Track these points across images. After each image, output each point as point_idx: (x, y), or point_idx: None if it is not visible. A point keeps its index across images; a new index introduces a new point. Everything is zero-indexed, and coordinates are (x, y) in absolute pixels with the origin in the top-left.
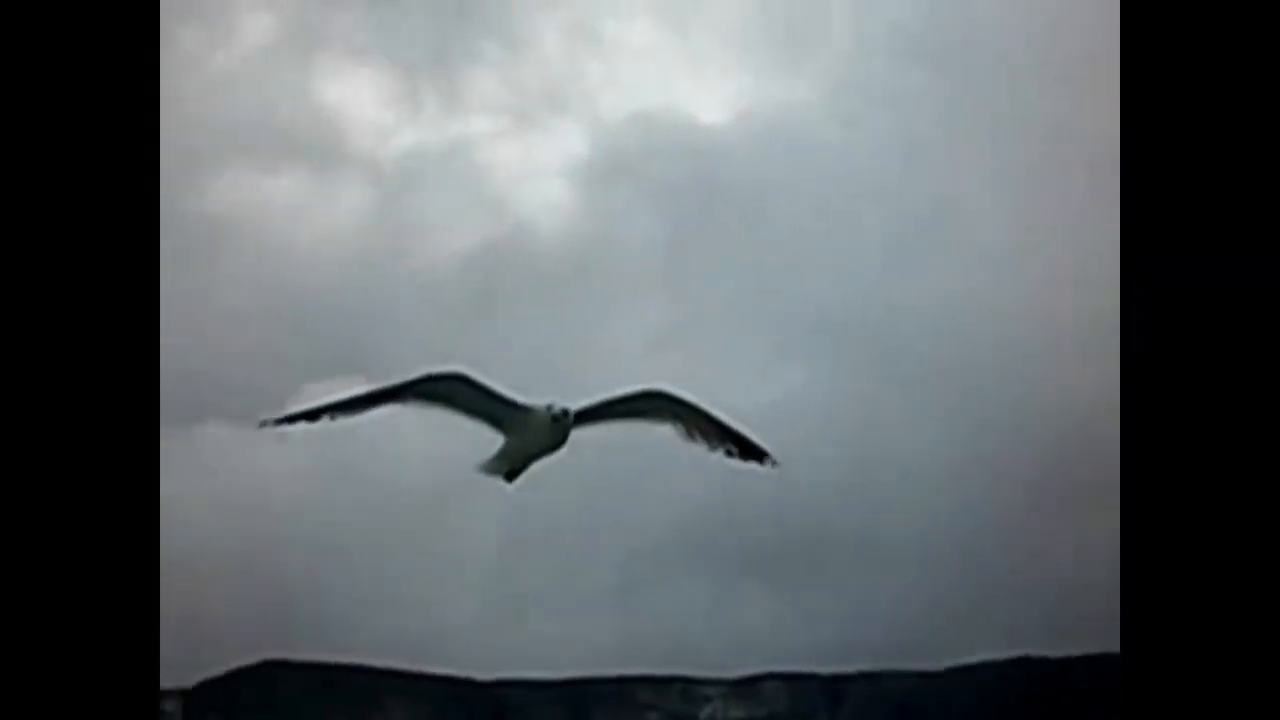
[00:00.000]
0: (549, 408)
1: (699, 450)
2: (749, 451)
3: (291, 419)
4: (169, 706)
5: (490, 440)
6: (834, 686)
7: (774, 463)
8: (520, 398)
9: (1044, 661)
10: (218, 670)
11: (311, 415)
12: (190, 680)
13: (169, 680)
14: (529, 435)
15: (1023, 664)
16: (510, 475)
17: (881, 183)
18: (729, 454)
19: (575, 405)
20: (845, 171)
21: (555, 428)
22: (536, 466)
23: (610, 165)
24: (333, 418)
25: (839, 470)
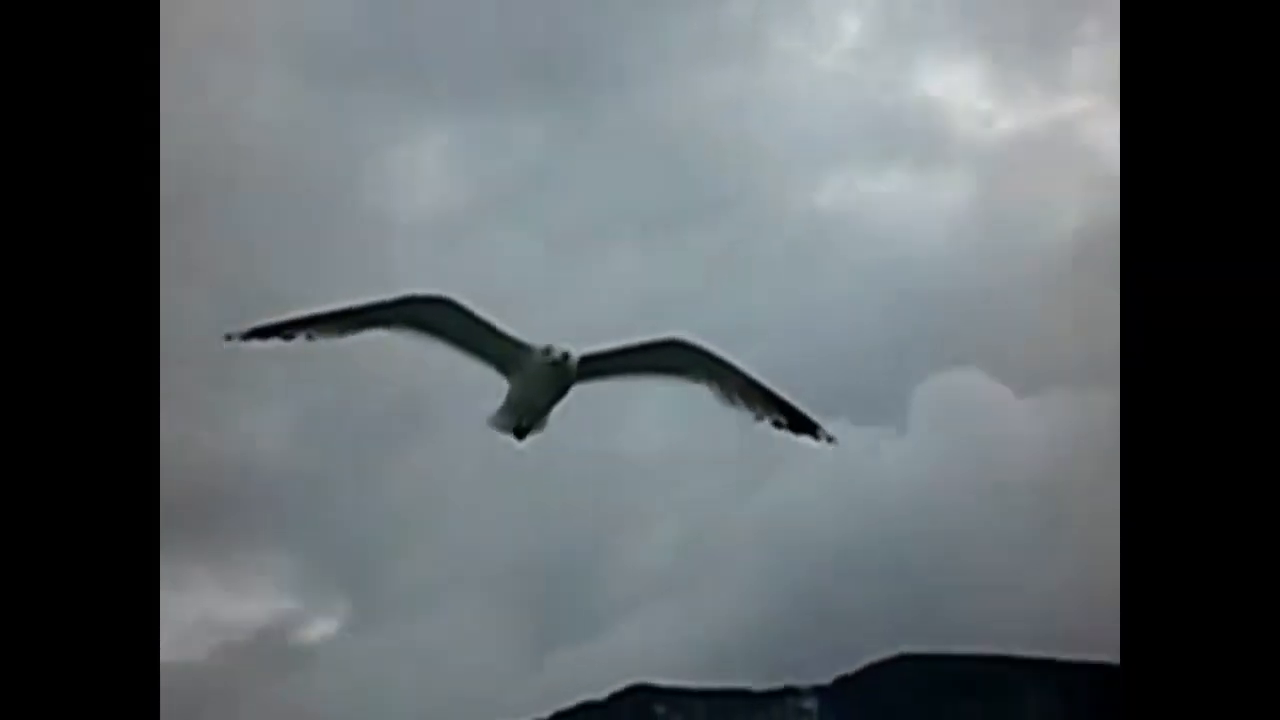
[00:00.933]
0: (547, 350)
1: None
2: (799, 424)
3: (264, 333)
4: (808, 704)
5: None
6: None
7: (829, 438)
8: (521, 336)
9: None
10: (854, 666)
11: (287, 332)
12: (828, 676)
13: (807, 677)
14: (529, 380)
15: None
16: (520, 432)
17: None
18: (777, 425)
19: (582, 349)
20: None
21: (553, 372)
22: None
23: None
24: (310, 337)
25: None
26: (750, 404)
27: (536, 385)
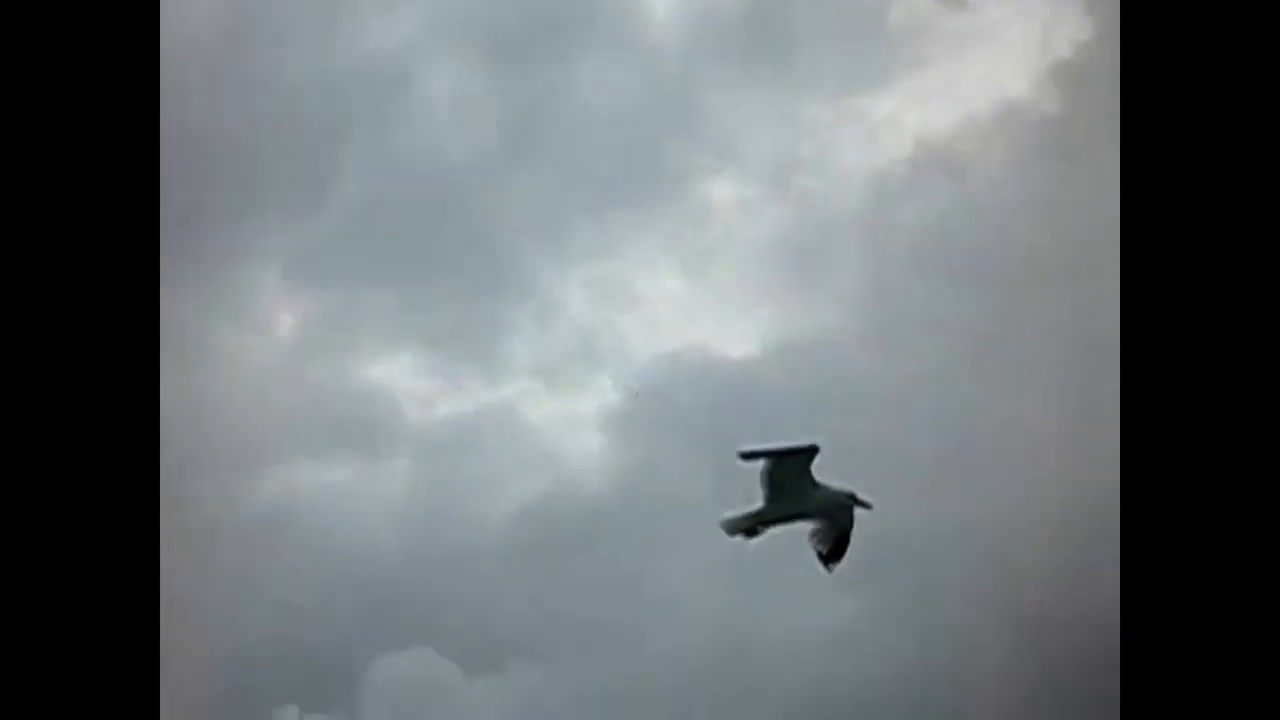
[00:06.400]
0: (851, 495)
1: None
2: (834, 555)
3: (749, 532)
4: None
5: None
6: None
7: (831, 568)
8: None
9: None
10: None
11: (755, 528)
12: None
13: None
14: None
15: None
16: (750, 533)
17: (918, 403)
18: (820, 555)
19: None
20: (880, 394)
21: (848, 508)
22: None
23: (645, 412)
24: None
25: (887, 687)
26: (827, 540)
27: (804, 506)
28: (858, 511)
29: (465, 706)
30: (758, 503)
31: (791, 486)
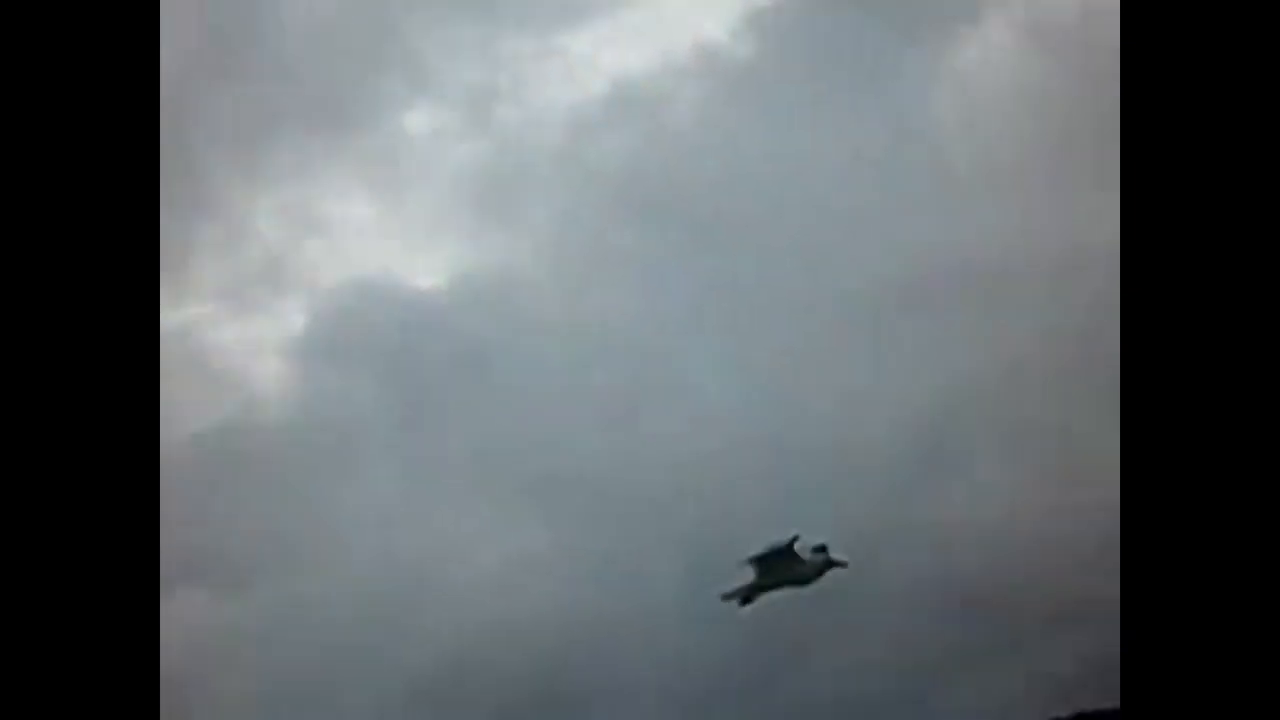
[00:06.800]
0: (828, 560)
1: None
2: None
3: (745, 600)
4: None
5: None
6: None
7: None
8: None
9: None
10: None
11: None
12: None
13: None
14: (789, 574)
15: None
16: (746, 601)
17: (603, 340)
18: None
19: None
20: (566, 330)
21: (824, 567)
22: None
23: (331, 339)
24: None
25: (575, 630)
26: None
27: (791, 577)
28: None
29: None
30: (750, 577)
31: (779, 567)
